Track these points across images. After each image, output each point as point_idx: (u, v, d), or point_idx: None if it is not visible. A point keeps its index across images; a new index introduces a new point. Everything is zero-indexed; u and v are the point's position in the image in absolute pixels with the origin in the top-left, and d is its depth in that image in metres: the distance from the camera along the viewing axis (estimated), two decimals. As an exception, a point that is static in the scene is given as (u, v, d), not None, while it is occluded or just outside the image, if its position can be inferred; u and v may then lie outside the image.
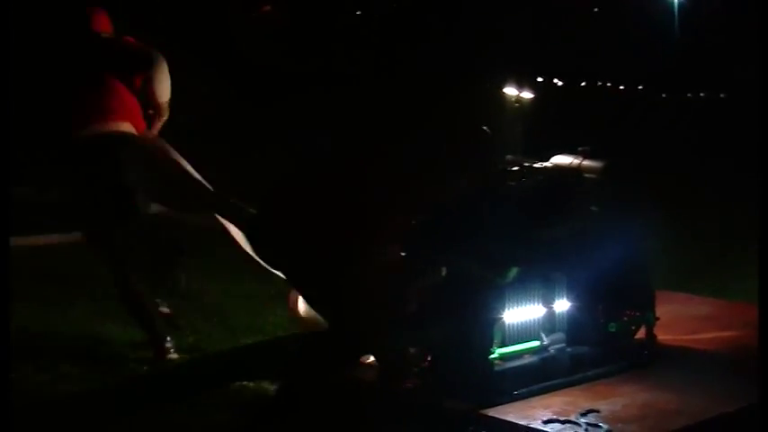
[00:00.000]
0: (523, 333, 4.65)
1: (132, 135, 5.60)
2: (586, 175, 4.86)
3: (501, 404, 4.39)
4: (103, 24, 5.72)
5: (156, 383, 5.28)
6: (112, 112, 5.57)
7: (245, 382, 5.11)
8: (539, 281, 4.70)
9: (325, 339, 4.39)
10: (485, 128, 4.26)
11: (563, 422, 4.24)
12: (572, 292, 4.80)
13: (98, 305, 6.36)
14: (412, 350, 4.57)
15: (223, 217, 5.29)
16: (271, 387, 5.00)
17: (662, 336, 5.08)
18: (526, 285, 4.65)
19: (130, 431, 4.68)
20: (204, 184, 5.50)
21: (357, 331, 4.22)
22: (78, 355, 5.54)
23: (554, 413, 4.31)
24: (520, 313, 4.64)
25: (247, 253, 4.87)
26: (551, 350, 4.70)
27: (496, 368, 4.53)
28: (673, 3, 17.94)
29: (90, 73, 5.62)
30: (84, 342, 5.79)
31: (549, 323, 4.73)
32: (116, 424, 4.70)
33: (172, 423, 4.71)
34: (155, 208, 6.30)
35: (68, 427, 4.72)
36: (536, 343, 4.69)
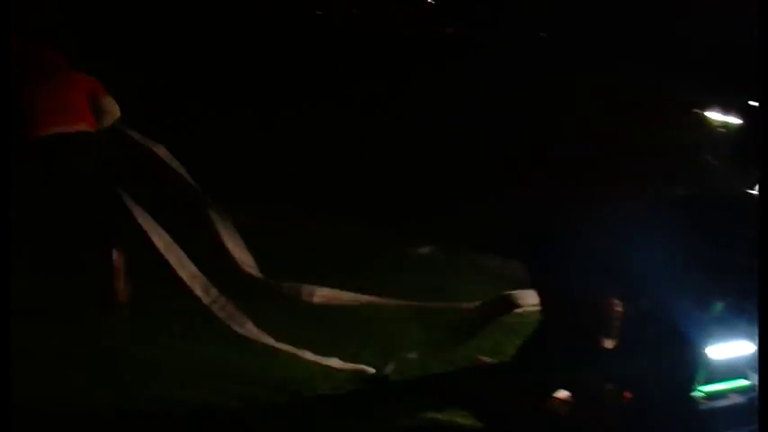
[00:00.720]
0: (730, 371, 4.46)
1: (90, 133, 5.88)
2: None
3: (706, 446, 4.20)
4: None
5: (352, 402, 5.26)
6: (68, 112, 5.83)
7: (436, 413, 5.05)
8: (747, 316, 4.47)
9: (518, 371, 4.31)
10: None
11: (774, 468, 4.00)
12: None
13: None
14: (610, 386, 4.42)
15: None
16: (463, 420, 4.92)
17: None
18: (733, 320, 4.45)
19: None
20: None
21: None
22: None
23: (764, 458, 4.07)
24: (726, 350, 4.44)
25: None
26: (761, 390, 4.46)
27: (701, 407, 4.34)
28: None
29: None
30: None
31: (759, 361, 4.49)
32: None
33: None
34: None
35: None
36: (745, 382, 4.47)
